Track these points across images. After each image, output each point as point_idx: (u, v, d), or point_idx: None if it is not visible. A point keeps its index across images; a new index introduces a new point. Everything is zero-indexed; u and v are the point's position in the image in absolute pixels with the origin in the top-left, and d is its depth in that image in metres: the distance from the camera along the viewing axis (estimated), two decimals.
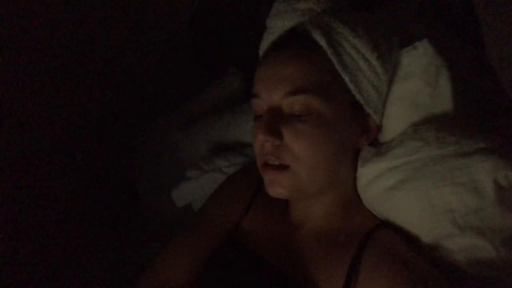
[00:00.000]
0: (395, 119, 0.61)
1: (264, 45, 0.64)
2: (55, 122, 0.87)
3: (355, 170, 0.61)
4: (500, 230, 0.51)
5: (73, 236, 0.95)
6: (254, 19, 0.99)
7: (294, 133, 0.55)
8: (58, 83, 0.85)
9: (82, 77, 0.89)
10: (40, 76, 0.80)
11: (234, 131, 0.91)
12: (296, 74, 0.55)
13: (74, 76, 0.88)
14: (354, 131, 0.59)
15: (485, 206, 0.52)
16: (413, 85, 0.60)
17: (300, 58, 0.56)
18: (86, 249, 0.96)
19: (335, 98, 0.56)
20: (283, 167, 0.56)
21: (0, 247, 0.77)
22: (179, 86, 1.07)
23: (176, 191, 0.87)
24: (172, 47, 1.05)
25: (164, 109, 1.05)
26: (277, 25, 0.61)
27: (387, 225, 0.58)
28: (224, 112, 0.94)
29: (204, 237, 0.66)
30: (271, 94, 0.57)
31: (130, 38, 0.93)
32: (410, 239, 0.56)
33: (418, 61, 0.60)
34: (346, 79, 0.56)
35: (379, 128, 0.62)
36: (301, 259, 0.58)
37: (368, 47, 0.57)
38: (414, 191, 0.55)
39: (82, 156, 0.95)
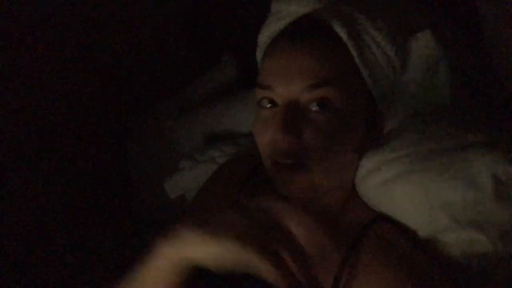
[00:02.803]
0: (394, 110, 0.60)
1: (269, 31, 0.60)
2: (48, 111, 0.86)
3: (357, 164, 0.59)
4: (498, 225, 0.51)
5: (66, 226, 0.95)
6: (250, 2, 0.98)
7: (314, 129, 0.52)
8: (50, 72, 0.83)
9: (74, 65, 0.88)
10: (31, 65, 0.78)
11: (227, 121, 0.90)
12: (317, 66, 0.52)
13: (67, 64, 0.86)
14: (365, 126, 0.57)
15: (483, 200, 0.52)
16: (413, 76, 0.59)
17: (320, 49, 0.53)
18: (79, 239, 0.95)
19: (353, 92, 0.54)
20: (299, 166, 0.53)
21: None
22: (173, 74, 1.06)
23: (169, 182, 0.87)
24: (167, 34, 1.04)
25: (158, 97, 1.04)
26: (289, 10, 0.57)
27: (383, 218, 0.57)
28: (217, 101, 0.93)
29: None
30: (288, 87, 0.53)
31: (123, 25, 0.92)
32: (407, 233, 0.55)
33: (419, 52, 0.59)
34: (365, 73, 0.54)
35: (384, 122, 0.61)
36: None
37: (388, 41, 0.55)
38: (411, 184, 0.54)
39: (75, 145, 0.94)
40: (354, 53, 0.53)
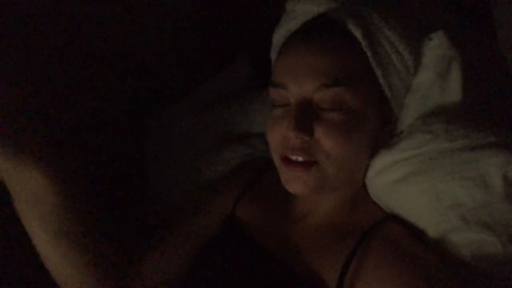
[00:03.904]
0: (406, 111, 0.60)
1: (284, 31, 0.60)
2: (64, 108, 0.87)
3: (368, 163, 0.60)
4: (508, 226, 0.51)
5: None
6: (264, 2, 0.98)
7: (326, 128, 0.53)
8: (67, 69, 0.85)
9: (90, 63, 0.89)
10: (47, 61, 0.79)
11: (241, 121, 0.91)
12: (331, 66, 0.53)
13: (83, 62, 0.87)
14: (377, 125, 0.57)
15: (493, 201, 0.52)
16: (425, 77, 0.59)
17: (334, 48, 0.54)
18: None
19: (366, 92, 0.54)
20: (309, 163, 0.54)
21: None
22: (188, 74, 1.06)
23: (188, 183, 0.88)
24: (182, 32, 1.04)
25: (174, 96, 1.04)
26: (304, 10, 0.57)
27: (393, 218, 0.57)
28: (232, 102, 0.94)
29: (195, 230, 0.67)
30: (301, 86, 0.53)
31: (139, 24, 0.93)
32: (416, 233, 0.55)
33: (432, 53, 0.59)
34: (379, 73, 0.55)
35: (396, 121, 0.61)
36: (302, 249, 0.58)
37: (402, 41, 0.55)
38: (422, 185, 0.55)
39: (91, 143, 0.95)
40: (368, 52, 0.54)
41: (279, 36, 0.61)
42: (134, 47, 0.96)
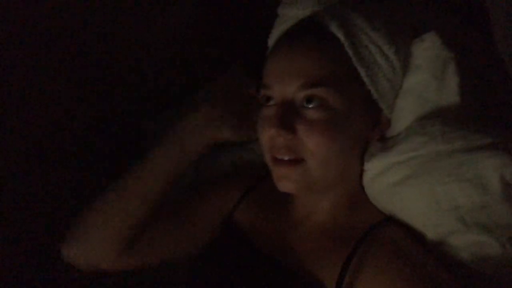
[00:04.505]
0: (402, 113, 0.60)
1: (274, 34, 0.62)
2: (61, 116, 0.87)
3: (362, 164, 0.60)
4: (507, 227, 0.51)
5: None
6: (259, 10, 0.99)
7: (308, 127, 0.54)
8: (64, 78, 0.85)
9: (91, 65, 0.89)
10: (44, 70, 0.80)
11: None
12: (312, 66, 0.54)
13: (80, 71, 0.88)
14: (366, 125, 0.58)
15: (492, 202, 0.51)
16: (420, 78, 0.59)
17: (316, 49, 0.55)
18: None
19: (350, 92, 0.55)
20: (295, 161, 0.55)
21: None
22: (188, 75, 1.07)
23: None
24: (182, 35, 1.05)
25: (174, 99, 1.05)
26: (291, 14, 0.59)
27: (392, 220, 0.57)
28: None
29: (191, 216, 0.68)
30: (284, 86, 0.55)
31: (139, 27, 0.93)
32: (415, 235, 0.55)
33: (425, 54, 0.59)
34: (362, 73, 0.55)
35: (389, 122, 0.61)
36: (302, 251, 0.58)
37: (386, 41, 0.55)
38: (420, 187, 0.55)
39: (88, 149, 0.95)
40: (351, 52, 0.54)
41: (271, 40, 0.63)
42: (134, 50, 0.96)
